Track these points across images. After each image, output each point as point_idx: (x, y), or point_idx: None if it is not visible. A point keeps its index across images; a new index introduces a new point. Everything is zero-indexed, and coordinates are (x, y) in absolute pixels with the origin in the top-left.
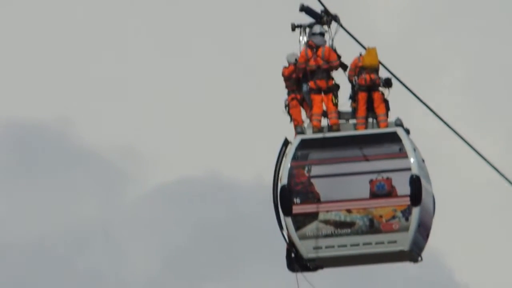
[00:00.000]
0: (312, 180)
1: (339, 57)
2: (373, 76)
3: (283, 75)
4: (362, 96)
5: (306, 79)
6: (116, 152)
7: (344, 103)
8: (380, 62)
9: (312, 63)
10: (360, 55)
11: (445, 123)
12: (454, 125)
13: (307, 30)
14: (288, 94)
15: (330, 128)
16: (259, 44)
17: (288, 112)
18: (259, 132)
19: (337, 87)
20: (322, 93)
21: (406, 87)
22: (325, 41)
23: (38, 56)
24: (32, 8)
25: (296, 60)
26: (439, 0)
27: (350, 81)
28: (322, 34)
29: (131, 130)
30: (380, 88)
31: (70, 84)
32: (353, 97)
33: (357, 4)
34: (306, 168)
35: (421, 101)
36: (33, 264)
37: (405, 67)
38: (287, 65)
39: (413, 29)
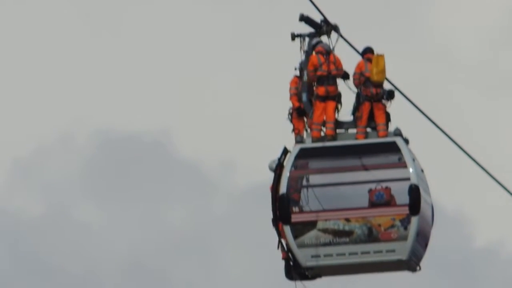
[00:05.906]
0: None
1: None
2: (379, 90)
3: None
4: (366, 106)
5: (309, 88)
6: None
7: (346, 111)
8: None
9: (324, 68)
10: (368, 59)
11: (450, 138)
12: None
13: (307, 39)
14: None
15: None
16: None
17: (291, 121)
18: None
19: (340, 94)
20: (328, 100)
21: (410, 101)
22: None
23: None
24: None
25: None
26: None
27: (356, 85)
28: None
29: (225, 140)
30: (383, 101)
31: (167, 95)
32: (357, 106)
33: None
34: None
35: (426, 116)
36: (131, 275)
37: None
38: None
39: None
